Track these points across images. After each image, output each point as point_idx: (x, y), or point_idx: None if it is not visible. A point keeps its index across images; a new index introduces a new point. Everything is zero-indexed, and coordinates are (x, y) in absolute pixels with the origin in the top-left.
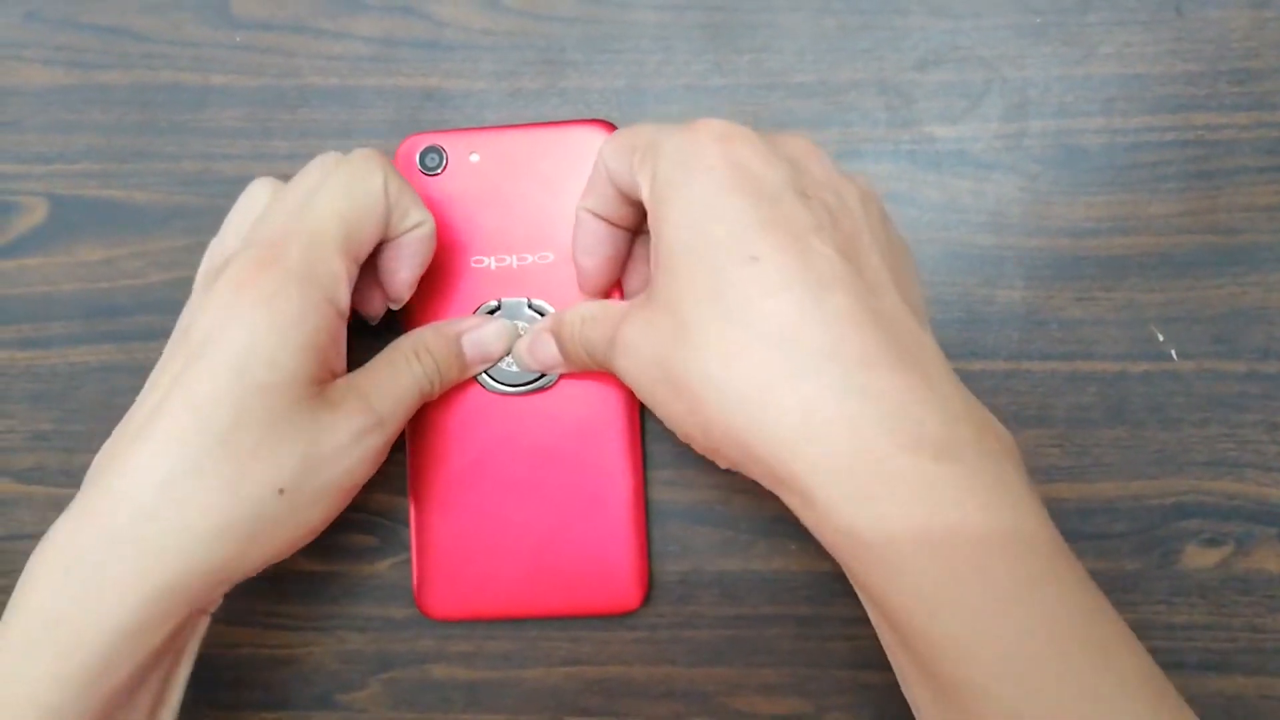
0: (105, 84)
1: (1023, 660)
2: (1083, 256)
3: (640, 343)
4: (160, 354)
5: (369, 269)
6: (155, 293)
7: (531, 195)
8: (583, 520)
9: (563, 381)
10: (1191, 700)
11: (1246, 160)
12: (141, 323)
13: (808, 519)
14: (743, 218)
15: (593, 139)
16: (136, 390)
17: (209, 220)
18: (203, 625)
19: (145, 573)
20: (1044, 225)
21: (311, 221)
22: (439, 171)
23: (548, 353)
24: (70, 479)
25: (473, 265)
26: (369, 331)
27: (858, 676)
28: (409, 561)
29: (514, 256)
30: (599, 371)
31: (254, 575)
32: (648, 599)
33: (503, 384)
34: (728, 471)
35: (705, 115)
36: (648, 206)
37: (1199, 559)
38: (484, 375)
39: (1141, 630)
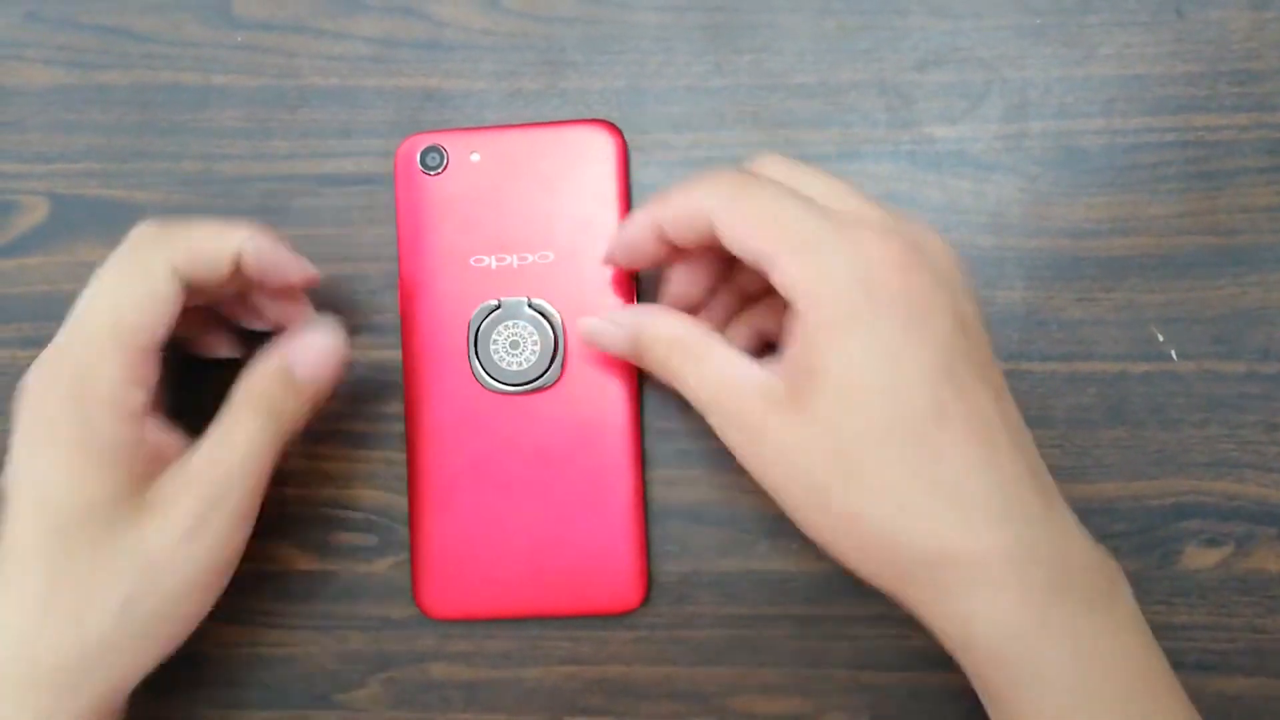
0: (105, 84)
1: None
2: (1083, 257)
3: (794, 455)
4: None
5: (206, 314)
6: None
7: (532, 195)
8: (582, 520)
9: (563, 381)
10: (1191, 700)
11: (1246, 161)
12: None
13: (948, 643)
14: (929, 369)
15: (593, 139)
16: None
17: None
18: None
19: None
20: (1044, 226)
21: (83, 328)
22: (439, 171)
23: (614, 345)
24: None
25: (473, 265)
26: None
27: (858, 676)
28: (408, 561)
29: (514, 256)
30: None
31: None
32: (647, 599)
33: (503, 384)
34: (728, 471)
35: (705, 116)
36: (801, 311)
37: (1199, 559)
38: (484, 375)
39: None
